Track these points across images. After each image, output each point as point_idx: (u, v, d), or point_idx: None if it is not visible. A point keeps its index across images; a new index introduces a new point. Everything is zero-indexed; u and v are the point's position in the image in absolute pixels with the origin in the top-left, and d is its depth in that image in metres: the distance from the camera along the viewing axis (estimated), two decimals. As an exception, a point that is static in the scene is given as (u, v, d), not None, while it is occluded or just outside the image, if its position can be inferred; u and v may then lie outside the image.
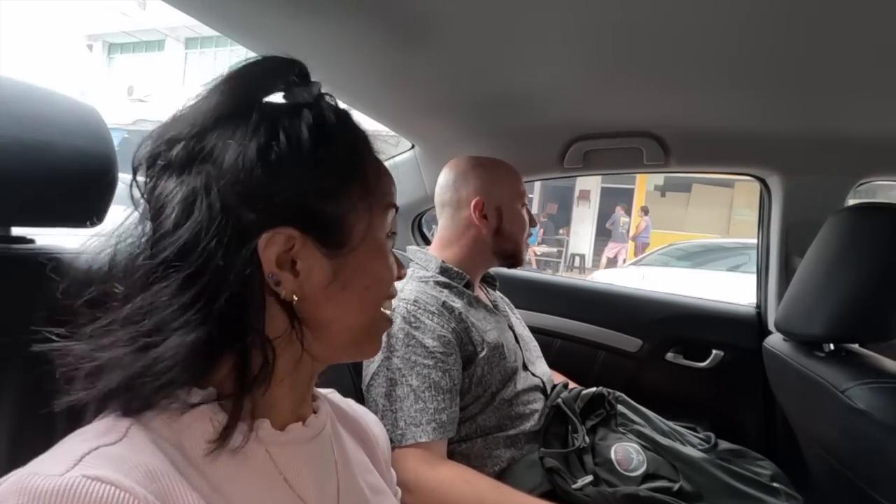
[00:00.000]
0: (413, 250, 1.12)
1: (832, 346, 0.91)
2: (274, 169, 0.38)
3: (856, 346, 0.92)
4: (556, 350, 1.53)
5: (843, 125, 1.07)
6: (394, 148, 1.56)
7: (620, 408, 1.13)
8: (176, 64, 14.09)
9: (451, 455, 0.91)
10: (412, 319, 0.92)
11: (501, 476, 0.94)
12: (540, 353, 1.20)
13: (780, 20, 0.68)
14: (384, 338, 0.90)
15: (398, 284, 1.05)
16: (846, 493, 0.92)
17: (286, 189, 0.39)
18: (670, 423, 1.13)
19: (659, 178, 10.39)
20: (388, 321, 0.49)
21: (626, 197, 10.71)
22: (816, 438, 0.98)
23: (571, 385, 1.17)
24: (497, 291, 1.24)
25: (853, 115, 1.02)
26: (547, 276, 1.82)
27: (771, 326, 1.31)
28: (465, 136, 1.37)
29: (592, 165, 1.40)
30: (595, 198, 11.39)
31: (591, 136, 1.34)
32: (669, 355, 1.44)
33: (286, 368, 0.42)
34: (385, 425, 0.82)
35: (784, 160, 1.21)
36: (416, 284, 1.00)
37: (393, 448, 0.84)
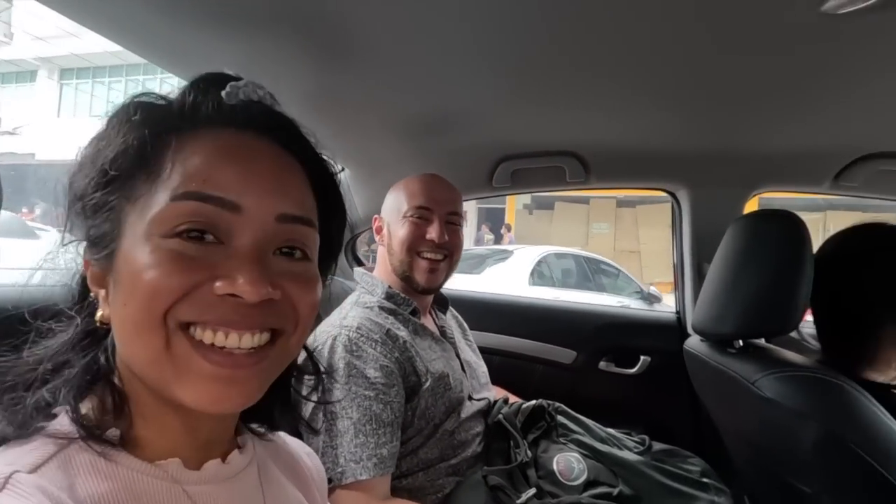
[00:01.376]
0: (360, 273, 1.08)
1: (741, 343, 0.98)
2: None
3: (762, 341, 1.00)
4: (497, 366, 1.53)
5: (740, 142, 1.18)
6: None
7: (560, 418, 1.15)
8: (50, 96, 13.50)
9: (394, 491, 0.87)
10: (354, 348, 0.88)
11: (445, 501, 0.91)
12: (487, 379, 1.18)
13: (683, 44, 0.77)
14: (323, 368, 0.86)
15: (342, 311, 1.01)
16: (766, 480, 0.98)
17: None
18: (607, 430, 1.16)
19: (527, 198, 11.16)
20: (201, 359, 0.35)
21: (499, 216, 11.26)
22: (736, 431, 1.04)
23: (512, 399, 1.18)
24: (449, 313, 1.21)
25: (747, 132, 1.14)
26: (488, 294, 1.83)
27: (690, 329, 1.40)
28: (395, 157, 1.37)
29: (520, 184, 1.45)
30: (472, 218, 11.78)
31: (517, 155, 1.38)
32: (602, 364, 1.49)
33: (147, 403, 0.37)
34: (325, 462, 0.78)
35: (690, 175, 1.32)
36: (360, 311, 0.96)
37: (334, 487, 0.80)
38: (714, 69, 0.86)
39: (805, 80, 0.88)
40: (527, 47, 0.80)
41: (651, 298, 5.25)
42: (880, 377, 0.84)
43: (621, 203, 10.87)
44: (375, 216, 1.08)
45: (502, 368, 1.53)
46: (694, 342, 1.16)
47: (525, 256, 5.18)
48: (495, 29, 0.75)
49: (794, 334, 1.07)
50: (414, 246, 0.99)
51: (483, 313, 1.63)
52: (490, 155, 1.40)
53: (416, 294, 1.03)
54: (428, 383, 0.93)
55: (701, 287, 1.36)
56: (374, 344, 0.89)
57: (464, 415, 1.00)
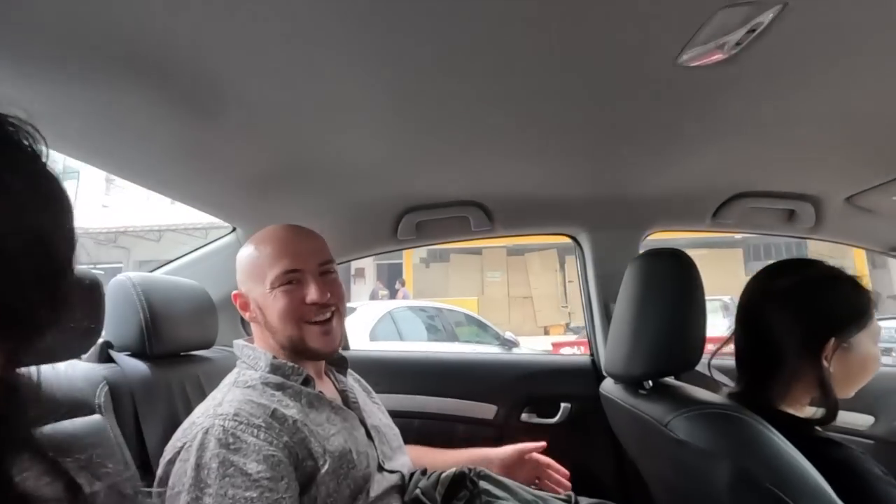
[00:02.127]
0: (240, 346, 0.94)
1: (651, 383, 0.97)
2: None
3: (671, 378, 1.00)
4: (417, 429, 1.44)
5: (630, 185, 1.25)
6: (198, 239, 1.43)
7: (483, 484, 1.06)
8: None
9: None
10: (230, 440, 0.74)
11: None
12: (400, 442, 1.08)
13: (562, 95, 0.80)
14: (191, 471, 0.72)
15: (216, 396, 0.87)
16: None
17: None
18: (531, 491, 1.10)
19: (423, 252, 11.49)
20: None
21: (397, 271, 11.40)
22: (654, 475, 1.02)
23: (429, 457, 1.09)
24: (350, 377, 1.10)
25: (635, 176, 1.20)
26: (396, 352, 1.74)
27: (606, 371, 1.39)
28: (290, 214, 1.29)
29: (425, 236, 1.42)
30: (371, 274, 11.89)
31: (421, 206, 1.36)
32: (524, 416, 1.44)
33: None
34: None
35: (588, 218, 1.36)
36: (238, 393, 0.83)
37: None
38: (594, 117, 0.89)
39: (674, 125, 0.93)
40: (422, 97, 0.79)
41: (509, 343, 5.44)
42: (798, 412, 0.85)
43: (511, 252, 11.34)
44: (235, 292, 0.95)
45: (423, 431, 1.44)
46: (609, 385, 1.14)
47: (368, 312, 5.09)
48: (386, 78, 0.73)
49: (704, 370, 1.09)
50: (296, 316, 0.88)
51: (392, 373, 1.53)
52: (393, 208, 1.37)
53: (307, 360, 0.93)
54: (327, 466, 0.81)
55: (608, 327, 1.39)
56: (255, 431, 0.76)
57: (374, 493, 0.88)
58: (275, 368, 0.89)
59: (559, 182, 1.23)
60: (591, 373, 1.44)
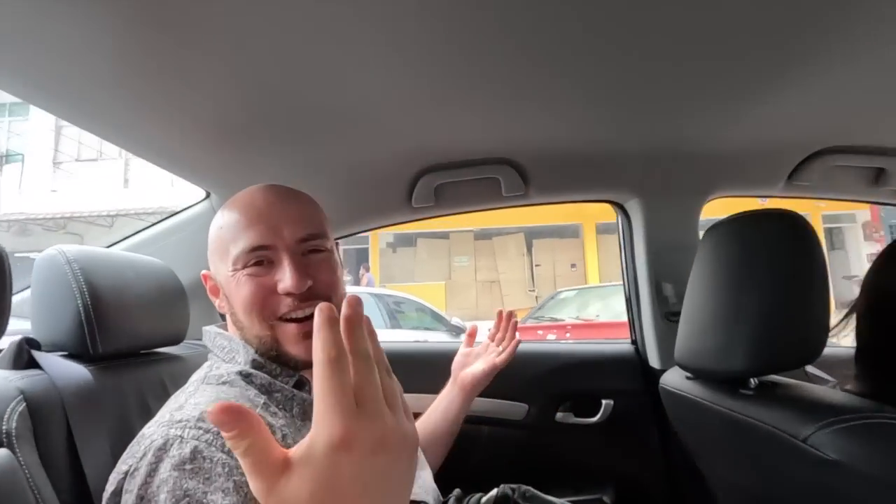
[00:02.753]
0: (213, 334, 0.69)
1: (755, 381, 0.78)
2: None
3: (775, 376, 0.81)
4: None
5: (692, 142, 1.04)
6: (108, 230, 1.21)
7: None
8: None
9: None
10: (188, 457, 0.49)
11: None
12: (420, 456, 0.85)
13: (626, 29, 0.66)
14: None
15: (180, 397, 0.59)
16: None
17: None
18: None
19: (390, 236, 11.35)
20: None
21: (363, 256, 11.23)
22: (761, 496, 0.83)
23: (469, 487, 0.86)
24: None
25: (699, 131, 1.00)
26: (406, 343, 1.50)
27: (653, 362, 1.20)
28: (277, 175, 1.03)
29: (446, 202, 1.17)
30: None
31: (441, 166, 1.12)
32: (559, 415, 1.23)
33: None
34: None
35: (638, 182, 1.15)
36: (209, 392, 0.58)
37: None
38: (661, 60, 0.73)
39: (760, 70, 0.76)
40: (446, 27, 0.62)
41: (456, 330, 5.23)
42: None
43: (479, 236, 11.27)
44: (204, 272, 0.71)
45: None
46: (675, 380, 0.95)
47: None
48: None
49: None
50: (264, 310, 0.63)
51: (402, 368, 1.29)
52: (407, 167, 1.11)
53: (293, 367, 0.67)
54: None
55: (661, 310, 1.19)
56: (220, 445, 0.52)
57: None
58: (259, 365, 0.64)
59: (607, 137, 1.01)
60: (637, 363, 1.24)
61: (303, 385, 0.65)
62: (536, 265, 10.95)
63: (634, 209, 1.20)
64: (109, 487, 0.53)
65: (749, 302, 0.74)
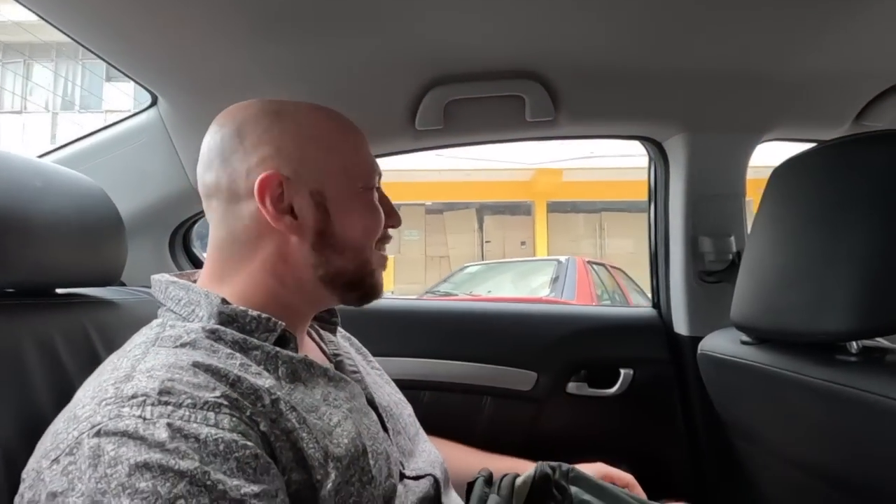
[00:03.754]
0: (163, 284, 0.54)
1: (857, 345, 0.64)
2: None
3: (883, 340, 0.68)
4: (426, 405, 1.02)
5: (748, 68, 0.88)
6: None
7: (576, 490, 0.72)
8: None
9: None
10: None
11: None
12: (417, 424, 0.71)
13: None
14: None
15: (121, 366, 0.46)
16: None
17: None
18: (638, 498, 0.75)
19: None
20: None
21: None
22: (839, 477, 0.69)
23: (498, 471, 0.69)
24: (339, 335, 0.71)
25: (758, 55, 0.84)
26: (399, 301, 1.29)
27: (679, 328, 1.06)
28: (249, 81, 0.79)
29: (457, 125, 0.96)
30: None
31: (453, 78, 0.90)
32: (571, 386, 1.07)
33: None
34: None
35: (684, 113, 0.98)
36: (165, 355, 0.45)
37: None
38: None
39: None
40: None
41: None
42: None
43: (430, 210, 11.12)
44: (268, 173, 0.51)
45: (434, 408, 1.03)
46: (724, 346, 0.81)
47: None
48: None
49: None
50: (377, 238, 0.60)
51: (393, 329, 1.09)
52: (412, 78, 0.89)
53: (299, 310, 0.59)
54: (330, 482, 0.45)
55: (694, 269, 1.04)
56: (211, 415, 0.41)
57: None
58: (228, 319, 0.50)
59: (655, 53, 0.84)
60: (660, 329, 1.10)
61: (287, 342, 0.53)
62: (487, 241, 10.94)
63: (676, 148, 1.03)
64: (21, 489, 0.39)
65: (855, 243, 0.59)
